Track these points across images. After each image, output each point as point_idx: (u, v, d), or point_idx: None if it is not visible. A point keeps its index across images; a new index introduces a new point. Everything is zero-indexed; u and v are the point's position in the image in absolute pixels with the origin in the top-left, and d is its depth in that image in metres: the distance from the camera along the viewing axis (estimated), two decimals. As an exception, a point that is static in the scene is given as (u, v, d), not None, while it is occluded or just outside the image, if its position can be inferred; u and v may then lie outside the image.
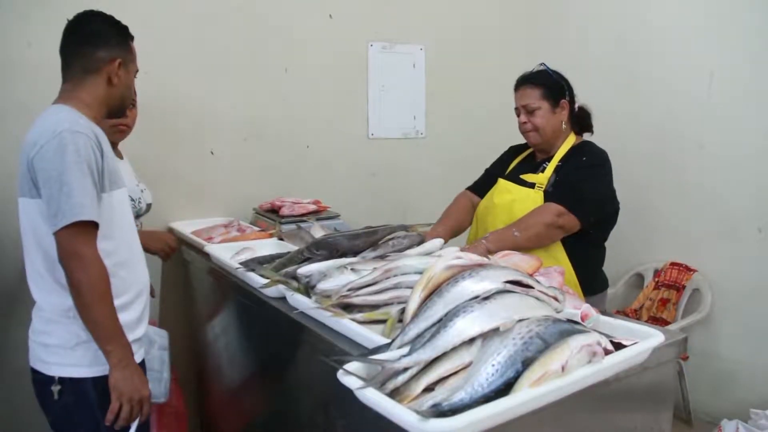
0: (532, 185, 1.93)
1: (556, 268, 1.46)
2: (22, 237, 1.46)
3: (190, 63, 2.48)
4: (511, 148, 2.20)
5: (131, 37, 1.56)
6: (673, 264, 2.93)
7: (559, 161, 1.93)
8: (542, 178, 1.92)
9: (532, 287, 1.05)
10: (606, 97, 3.14)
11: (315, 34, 2.78)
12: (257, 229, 2.36)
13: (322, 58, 2.81)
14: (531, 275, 1.13)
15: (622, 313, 2.89)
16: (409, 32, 3.07)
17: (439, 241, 1.57)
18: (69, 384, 1.41)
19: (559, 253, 1.86)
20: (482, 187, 2.16)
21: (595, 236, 1.92)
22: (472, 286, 1.01)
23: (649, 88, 2.97)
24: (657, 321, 2.88)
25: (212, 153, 2.59)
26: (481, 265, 1.10)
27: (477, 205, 2.13)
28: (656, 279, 2.98)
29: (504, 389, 0.85)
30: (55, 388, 1.40)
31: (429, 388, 0.90)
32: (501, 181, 2.04)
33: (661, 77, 2.92)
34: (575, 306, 1.18)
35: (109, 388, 1.36)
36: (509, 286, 1.02)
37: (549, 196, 1.86)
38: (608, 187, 1.93)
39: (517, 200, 1.92)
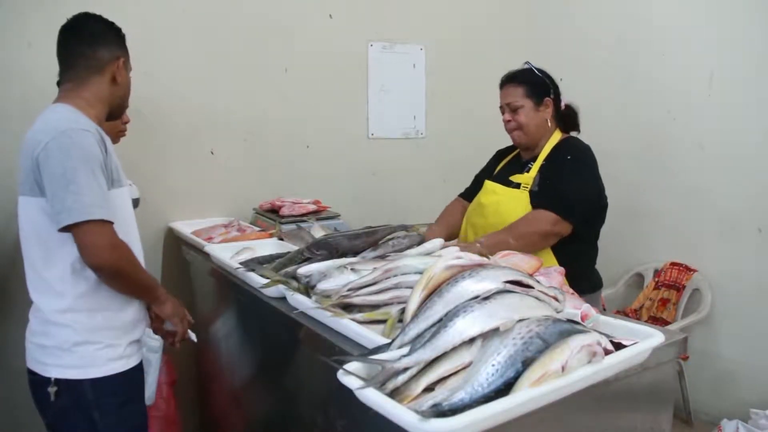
0: (517, 185, 1.95)
1: (556, 268, 1.46)
2: (21, 236, 1.45)
3: (190, 63, 2.48)
4: (498, 152, 2.23)
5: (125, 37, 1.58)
6: (673, 264, 2.93)
7: (544, 160, 1.94)
8: (527, 178, 1.93)
9: (532, 287, 1.05)
10: (606, 96, 3.15)
11: (315, 34, 2.78)
12: (257, 229, 2.36)
13: (322, 58, 2.81)
14: (531, 275, 1.13)
15: (622, 313, 2.90)
16: (409, 32, 3.07)
17: (439, 241, 1.57)
18: (65, 385, 1.41)
19: (545, 252, 1.86)
20: (471, 193, 2.18)
21: (582, 234, 1.91)
22: (472, 286, 1.01)
23: (649, 88, 2.97)
24: (657, 321, 2.88)
25: (212, 153, 2.59)
26: (481, 265, 1.10)
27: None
28: (656, 279, 2.98)
29: (504, 389, 0.85)
30: (52, 390, 1.40)
31: (429, 388, 0.90)
32: (487, 183, 2.07)
33: (661, 77, 2.92)
34: (575, 306, 1.18)
35: (164, 317, 1.60)
36: (509, 286, 1.01)
37: (534, 196, 1.88)
38: (595, 184, 1.92)
39: (502, 201, 1.95)
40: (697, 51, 2.78)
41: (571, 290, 1.36)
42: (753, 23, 2.59)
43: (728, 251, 2.72)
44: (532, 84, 1.95)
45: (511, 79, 1.98)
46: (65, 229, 1.32)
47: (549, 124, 1.96)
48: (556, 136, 1.98)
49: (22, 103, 2.07)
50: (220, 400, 2.21)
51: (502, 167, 2.12)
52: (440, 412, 0.81)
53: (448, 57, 3.19)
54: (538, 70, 1.98)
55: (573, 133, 2.06)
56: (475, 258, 1.15)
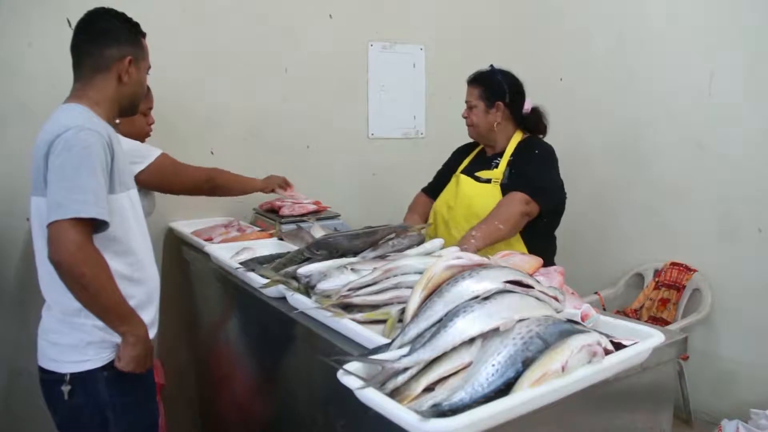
0: (488, 181, 2.06)
1: (556, 268, 1.46)
2: (34, 236, 1.44)
3: (190, 63, 2.48)
4: (459, 149, 2.33)
5: (143, 34, 1.55)
6: (673, 264, 2.93)
7: (510, 156, 2.06)
8: (497, 173, 2.05)
9: (532, 287, 1.05)
10: (606, 96, 3.15)
11: (315, 34, 2.78)
12: (257, 229, 2.36)
13: (322, 58, 2.81)
14: (531, 275, 1.13)
15: (622, 313, 2.89)
16: (409, 32, 3.08)
17: (439, 241, 1.57)
18: (79, 382, 1.40)
19: (518, 244, 1.97)
20: (434, 188, 2.29)
21: (547, 225, 2.05)
22: (472, 286, 1.01)
23: (649, 88, 2.97)
24: (657, 321, 2.88)
25: (212, 153, 2.59)
26: (481, 265, 1.10)
27: (432, 205, 2.25)
28: (656, 279, 2.98)
29: (504, 389, 0.85)
30: (66, 388, 1.39)
31: (429, 388, 0.90)
32: (461, 176, 2.15)
33: (661, 77, 2.91)
34: (575, 306, 1.18)
35: (117, 360, 1.39)
36: (509, 286, 1.02)
37: (507, 188, 1.99)
38: (559, 177, 2.07)
39: (475, 195, 2.05)
40: (697, 51, 2.78)
41: (571, 290, 1.36)
42: (753, 23, 2.59)
43: (728, 251, 2.72)
44: (488, 87, 2.08)
45: (473, 79, 2.12)
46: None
47: (498, 125, 2.08)
48: (519, 136, 2.11)
49: (22, 103, 2.07)
50: (219, 400, 2.21)
51: (468, 163, 2.21)
52: (440, 412, 0.81)
53: (448, 57, 3.19)
54: (502, 72, 2.10)
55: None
56: (475, 258, 1.15)
